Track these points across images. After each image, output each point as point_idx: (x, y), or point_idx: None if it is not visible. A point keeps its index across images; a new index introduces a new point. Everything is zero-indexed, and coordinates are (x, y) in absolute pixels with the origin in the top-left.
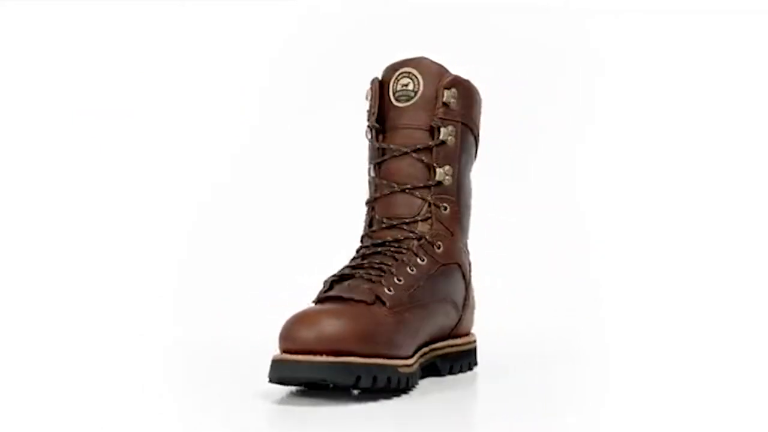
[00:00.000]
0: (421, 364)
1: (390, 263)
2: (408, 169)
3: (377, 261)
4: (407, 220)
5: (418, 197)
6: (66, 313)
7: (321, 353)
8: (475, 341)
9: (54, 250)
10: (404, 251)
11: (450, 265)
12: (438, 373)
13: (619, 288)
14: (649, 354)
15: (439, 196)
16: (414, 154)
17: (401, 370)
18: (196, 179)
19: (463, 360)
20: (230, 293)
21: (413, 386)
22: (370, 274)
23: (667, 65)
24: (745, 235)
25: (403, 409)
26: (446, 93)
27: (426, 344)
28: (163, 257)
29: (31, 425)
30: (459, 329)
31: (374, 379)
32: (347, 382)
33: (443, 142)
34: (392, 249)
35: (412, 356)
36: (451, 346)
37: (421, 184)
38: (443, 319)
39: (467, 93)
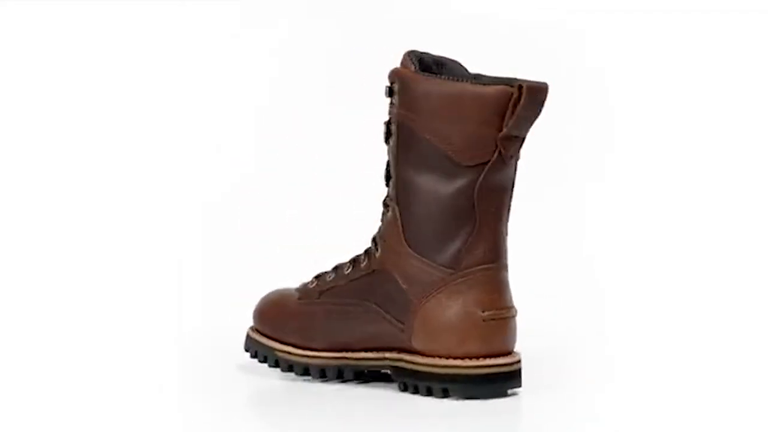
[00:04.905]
0: (348, 365)
1: (344, 262)
2: None
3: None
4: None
5: None
6: (65, 312)
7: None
8: (440, 365)
9: (51, 249)
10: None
11: (382, 272)
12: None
13: (620, 290)
14: (647, 356)
15: (389, 198)
16: None
17: (279, 354)
18: (207, 179)
19: (420, 380)
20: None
21: (314, 377)
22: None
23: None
24: (746, 233)
25: (403, 408)
26: (391, 87)
27: (353, 347)
28: (172, 255)
29: (25, 422)
30: (414, 345)
31: (264, 357)
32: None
33: (387, 139)
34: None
35: (322, 350)
36: (405, 361)
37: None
38: (370, 326)
39: (406, 85)
